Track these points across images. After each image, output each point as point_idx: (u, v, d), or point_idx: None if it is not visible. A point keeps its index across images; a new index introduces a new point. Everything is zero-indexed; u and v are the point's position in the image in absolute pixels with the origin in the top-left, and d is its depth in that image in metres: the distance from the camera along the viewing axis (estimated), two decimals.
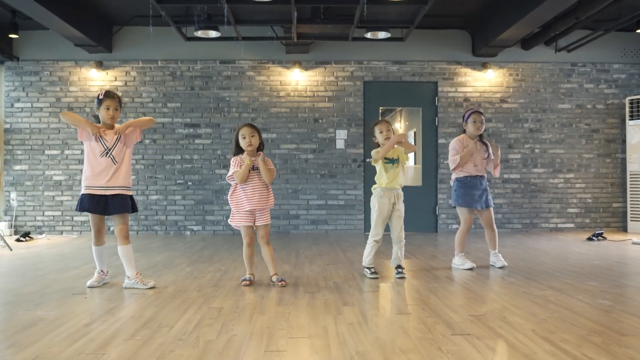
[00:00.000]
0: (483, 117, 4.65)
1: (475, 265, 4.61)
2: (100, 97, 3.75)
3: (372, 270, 4.18)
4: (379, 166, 4.20)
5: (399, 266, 4.20)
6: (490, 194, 4.75)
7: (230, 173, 3.86)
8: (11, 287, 3.85)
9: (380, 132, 4.15)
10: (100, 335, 2.65)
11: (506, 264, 4.65)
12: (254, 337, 2.60)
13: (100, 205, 3.69)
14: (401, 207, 4.22)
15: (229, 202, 3.93)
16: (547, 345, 2.45)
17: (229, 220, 4.01)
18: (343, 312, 3.08)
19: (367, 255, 4.22)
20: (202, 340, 2.55)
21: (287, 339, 2.56)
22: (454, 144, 4.65)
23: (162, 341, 2.54)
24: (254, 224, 3.90)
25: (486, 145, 4.69)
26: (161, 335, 2.63)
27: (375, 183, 4.28)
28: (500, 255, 4.70)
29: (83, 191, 3.72)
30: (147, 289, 3.71)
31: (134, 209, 3.85)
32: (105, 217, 3.83)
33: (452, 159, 4.61)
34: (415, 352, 2.37)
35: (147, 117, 3.88)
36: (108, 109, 3.73)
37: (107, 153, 3.71)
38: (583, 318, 2.91)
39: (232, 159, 3.87)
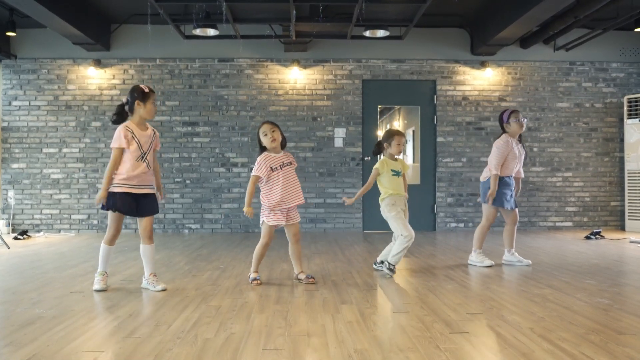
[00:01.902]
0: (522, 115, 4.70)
1: (494, 263, 4.64)
2: (146, 90, 3.59)
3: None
4: (386, 177, 4.23)
5: (384, 262, 4.27)
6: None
7: (254, 172, 3.78)
8: (9, 286, 3.85)
9: (398, 145, 4.23)
10: (98, 333, 2.65)
11: (530, 261, 4.69)
12: (252, 335, 2.60)
13: (133, 207, 3.58)
14: (407, 212, 4.30)
15: (263, 201, 3.81)
16: (545, 343, 2.45)
17: (264, 219, 3.81)
18: (341, 311, 3.08)
19: (398, 253, 4.11)
20: (201, 338, 2.55)
21: (285, 337, 2.56)
22: (502, 145, 4.56)
23: (160, 339, 2.54)
24: (286, 223, 3.83)
25: (523, 145, 4.76)
26: (159, 334, 2.63)
27: (380, 194, 4.31)
28: (516, 253, 4.75)
29: (117, 189, 3.52)
30: (155, 291, 3.62)
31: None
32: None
33: (496, 163, 4.54)
34: (414, 350, 2.37)
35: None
36: (153, 104, 3.62)
37: (142, 157, 3.59)
38: (581, 317, 2.92)
39: (258, 158, 3.81)
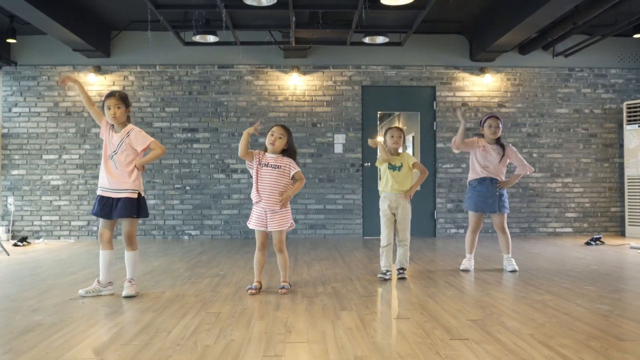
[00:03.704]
0: (499, 122, 4.72)
1: (468, 270, 4.69)
2: (103, 99, 3.74)
3: (383, 271, 4.26)
4: (383, 171, 4.37)
5: (401, 268, 4.32)
6: (507, 197, 4.76)
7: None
8: (8, 293, 3.84)
9: (392, 137, 4.32)
10: (97, 340, 2.64)
11: (517, 268, 4.66)
12: (252, 342, 2.60)
13: (106, 209, 3.64)
14: (404, 210, 4.30)
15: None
16: (545, 350, 2.45)
17: (247, 222, 3.91)
18: (341, 317, 3.07)
19: (380, 260, 4.34)
20: (200, 345, 2.55)
21: (285, 344, 2.55)
22: (469, 139, 4.77)
23: (160, 346, 2.53)
24: (267, 228, 3.77)
25: (502, 147, 4.74)
26: (159, 341, 2.62)
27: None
28: (513, 260, 4.74)
29: (97, 191, 3.74)
30: (124, 296, 3.62)
31: (141, 213, 3.72)
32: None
33: (455, 139, 4.68)
34: (414, 356, 2.36)
35: (155, 152, 3.78)
36: (109, 108, 3.67)
37: (111, 156, 3.69)
38: (581, 323, 2.91)
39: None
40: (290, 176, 3.81)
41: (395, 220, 4.32)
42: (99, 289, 3.72)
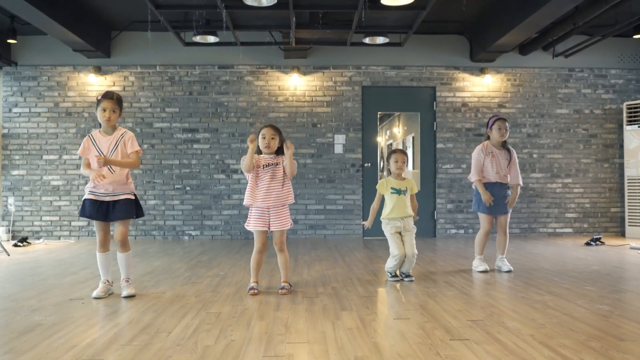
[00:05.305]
0: (507, 124, 4.74)
1: (488, 269, 4.68)
2: (99, 98, 3.66)
3: (392, 274, 4.29)
4: (386, 196, 4.32)
5: (408, 275, 4.29)
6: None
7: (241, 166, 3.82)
8: (9, 293, 3.84)
9: (396, 162, 4.29)
10: (98, 340, 2.64)
11: (512, 268, 4.67)
12: (253, 342, 2.60)
13: (102, 211, 3.60)
14: (409, 232, 4.27)
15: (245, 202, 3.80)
16: (545, 350, 2.45)
17: (245, 224, 3.88)
18: (341, 317, 3.07)
19: (389, 265, 4.28)
20: (201, 345, 2.55)
21: (285, 344, 2.55)
22: (476, 155, 4.71)
23: (160, 346, 2.53)
24: (269, 228, 3.77)
25: (509, 151, 4.76)
26: (159, 341, 2.62)
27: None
28: (506, 259, 4.75)
29: (86, 195, 3.63)
30: (122, 296, 3.62)
31: (139, 213, 3.75)
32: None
33: (473, 172, 4.68)
34: (414, 357, 2.36)
35: (132, 161, 3.71)
36: (104, 110, 3.61)
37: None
38: (582, 323, 2.91)
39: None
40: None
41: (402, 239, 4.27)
42: (110, 289, 3.73)
